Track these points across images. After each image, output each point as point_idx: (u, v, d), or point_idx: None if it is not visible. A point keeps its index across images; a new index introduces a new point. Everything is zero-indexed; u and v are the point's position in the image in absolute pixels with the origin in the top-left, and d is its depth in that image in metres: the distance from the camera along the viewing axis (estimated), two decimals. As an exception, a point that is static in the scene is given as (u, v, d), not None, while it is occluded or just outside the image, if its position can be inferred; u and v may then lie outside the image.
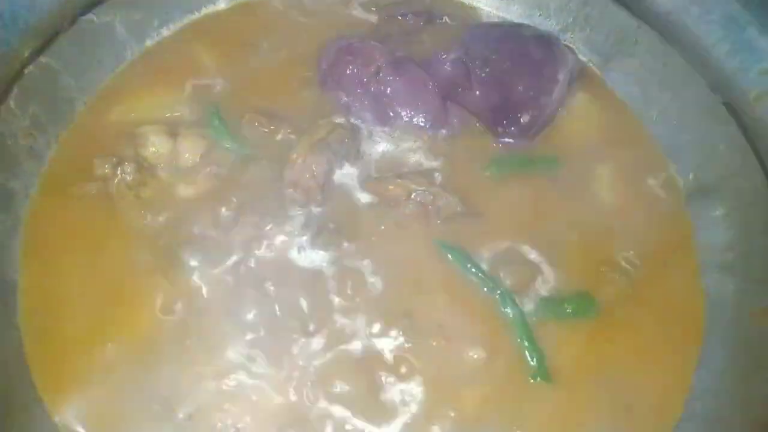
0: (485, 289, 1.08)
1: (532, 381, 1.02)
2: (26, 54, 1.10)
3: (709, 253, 1.16)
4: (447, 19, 1.38)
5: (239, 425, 0.95)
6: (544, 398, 1.02)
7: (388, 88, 1.22)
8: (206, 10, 1.35)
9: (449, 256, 1.10)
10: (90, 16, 1.18)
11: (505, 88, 1.21)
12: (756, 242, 1.11)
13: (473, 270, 1.09)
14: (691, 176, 1.22)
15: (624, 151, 1.25)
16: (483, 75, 1.21)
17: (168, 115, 1.19)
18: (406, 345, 1.03)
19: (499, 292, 1.07)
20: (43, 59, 1.13)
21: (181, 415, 0.95)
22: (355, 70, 1.22)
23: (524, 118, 1.21)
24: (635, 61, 1.29)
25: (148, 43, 1.29)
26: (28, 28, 1.08)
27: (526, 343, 1.04)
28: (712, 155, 1.19)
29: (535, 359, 1.03)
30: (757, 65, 1.08)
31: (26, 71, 1.11)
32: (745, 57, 1.09)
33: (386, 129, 1.22)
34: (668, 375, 1.07)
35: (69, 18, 1.15)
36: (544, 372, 1.03)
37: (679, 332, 1.10)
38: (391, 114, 1.22)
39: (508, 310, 1.06)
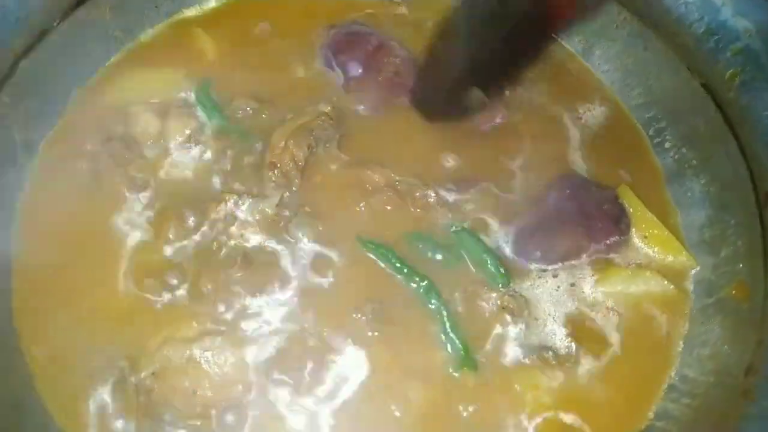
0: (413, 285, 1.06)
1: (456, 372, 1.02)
2: (19, 49, 1.11)
3: (690, 231, 1.18)
4: None
5: (197, 389, 0.97)
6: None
7: (394, 78, 1.23)
8: (197, 4, 1.35)
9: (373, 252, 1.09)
10: (81, 9, 1.19)
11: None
12: (731, 220, 1.12)
13: (398, 265, 1.07)
14: (672, 158, 1.24)
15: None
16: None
17: (158, 97, 1.20)
18: (370, 332, 1.03)
19: (423, 284, 1.06)
20: (35, 53, 1.13)
21: (143, 374, 0.98)
22: (366, 54, 1.24)
23: None
24: (617, 46, 1.31)
25: (139, 33, 1.30)
26: (20, 23, 1.09)
27: (452, 336, 1.03)
28: (692, 136, 1.20)
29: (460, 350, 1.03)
30: (730, 45, 1.09)
31: (19, 65, 1.12)
32: (719, 38, 1.10)
33: (378, 116, 1.23)
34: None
35: (60, 12, 1.16)
36: (470, 361, 1.03)
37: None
38: (389, 103, 1.23)
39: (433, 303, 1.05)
